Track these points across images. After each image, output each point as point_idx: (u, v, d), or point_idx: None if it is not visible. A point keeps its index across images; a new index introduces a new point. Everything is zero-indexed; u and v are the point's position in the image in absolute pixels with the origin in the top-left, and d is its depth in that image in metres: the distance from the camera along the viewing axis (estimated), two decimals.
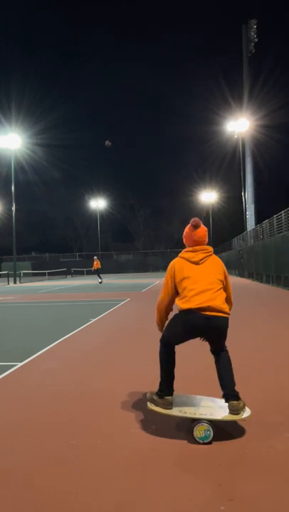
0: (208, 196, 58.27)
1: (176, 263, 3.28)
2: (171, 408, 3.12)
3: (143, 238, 72.99)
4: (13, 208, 31.58)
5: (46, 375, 4.88)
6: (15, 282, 31.07)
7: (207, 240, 3.33)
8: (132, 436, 3.08)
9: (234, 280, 25.57)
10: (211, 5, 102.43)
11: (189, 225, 3.32)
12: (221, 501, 2.24)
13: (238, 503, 2.23)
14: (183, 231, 3.40)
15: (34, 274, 45.31)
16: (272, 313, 9.97)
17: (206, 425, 2.91)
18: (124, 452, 2.83)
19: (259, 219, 31.12)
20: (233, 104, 36.30)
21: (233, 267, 34.48)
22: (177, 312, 3.22)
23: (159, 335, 3.38)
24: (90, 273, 39.71)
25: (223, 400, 3.08)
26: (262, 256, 21.27)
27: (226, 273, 3.31)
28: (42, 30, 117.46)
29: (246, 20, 36.59)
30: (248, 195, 35.92)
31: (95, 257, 28.20)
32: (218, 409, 3.10)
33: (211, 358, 3.29)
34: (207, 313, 3.04)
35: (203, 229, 3.31)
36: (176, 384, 3.27)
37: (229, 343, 3.27)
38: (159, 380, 3.26)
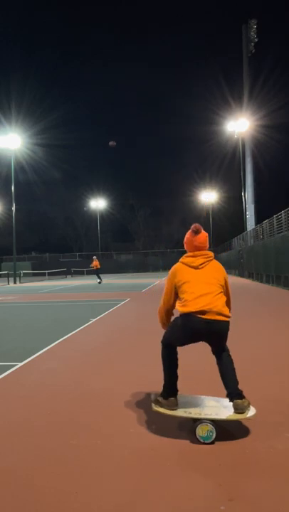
0: (208, 196, 58.28)
1: (176, 268, 3.31)
2: (176, 409, 3.12)
3: (143, 238, 72.98)
4: (13, 208, 31.59)
5: (46, 375, 4.88)
6: (15, 282, 31.06)
7: (208, 246, 3.35)
8: (132, 436, 3.08)
9: (234, 280, 25.57)
10: (211, 5, 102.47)
11: (190, 231, 3.35)
12: (221, 501, 2.24)
13: (238, 503, 2.23)
14: (183, 231, 3.42)
15: (34, 274, 45.31)
16: (272, 313, 9.97)
17: (209, 425, 2.91)
18: (124, 452, 2.83)
19: (259, 219, 31.12)
20: (233, 104, 36.34)
21: (233, 267, 34.48)
22: (178, 315, 3.22)
23: (160, 335, 3.39)
24: (90, 273, 39.71)
25: (228, 400, 3.08)
26: (262, 256, 21.27)
27: (227, 278, 3.32)
28: (42, 30, 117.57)
29: (246, 20, 36.60)
30: (248, 195, 35.92)
31: (94, 256, 28.18)
32: (222, 408, 3.10)
33: (212, 358, 3.30)
34: (207, 317, 3.03)
35: (203, 234, 3.33)
36: (179, 384, 3.27)
37: (229, 344, 3.27)
38: (159, 379, 3.27)
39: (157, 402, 3.22)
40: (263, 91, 38.43)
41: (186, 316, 3.09)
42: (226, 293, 3.29)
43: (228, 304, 3.27)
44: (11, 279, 31.54)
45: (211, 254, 3.32)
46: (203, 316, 3.03)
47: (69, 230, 75.10)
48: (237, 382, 3.07)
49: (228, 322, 3.13)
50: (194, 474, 2.53)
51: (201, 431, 2.91)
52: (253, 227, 30.93)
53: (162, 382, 3.31)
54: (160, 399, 3.22)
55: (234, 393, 3.01)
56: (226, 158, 49.91)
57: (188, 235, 3.36)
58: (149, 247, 68.67)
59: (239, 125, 34.05)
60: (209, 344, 3.22)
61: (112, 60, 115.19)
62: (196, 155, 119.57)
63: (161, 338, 3.36)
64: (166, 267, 53.02)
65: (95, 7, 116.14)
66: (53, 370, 5.09)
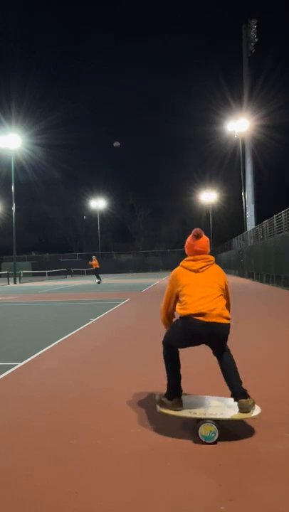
0: (208, 196, 58.25)
1: (176, 272, 3.34)
2: (180, 409, 3.12)
3: (143, 238, 72.97)
4: (13, 208, 31.59)
5: (46, 375, 4.88)
6: (15, 282, 31.06)
7: (209, 250, 3.37)
8: (132, 436, 3.08)
9: (234, 280, 25.58)
10: (211, 5, 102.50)
11: (191, 235, 3.37)
12: (221, 501, 2.24)
13: (238, 503, 2.23)
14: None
15: (34, 274, 45.31)
16: (272, 313, 9.97)
17: (213, 426, 2.91)
18: (124, 452, 2.83)
19: (259, 219, 31.12)
20: (233, 104, 36.33)
21: (233, 267, 34.48)
22: (178, 318, 3.23)
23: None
24: (89, 273, 39.73)
25: (232, 399, 3.08)
26: (262, 256, 21.27)
27: (227, 283, 3.33)
28: (42, 30, 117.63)
29: (246, 20, 36.59)
30: (248, 195, 35.92)
31: (94, 256, 28.14)
32: (227, 408, 3.09)
33: (212, 357, 3.29)
34: (207, 319, 3.02)
35: (204, 239, 3.35)
36: (183, 385, 3.27)
37: (229, 344, 3.26)
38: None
39: (162, 403, 3.22)
40: (263, 91, 38.49)
41: (185, 319, 3.09)
42: (226, 296, 3.29)
43: (227, 307, 3.27)
44: (11, 279, 31.55)
45: (212, 258, 3.33)
46: (202, 319, 3.02)
47: (69, 230, 75.12)
48: (241, 382, 3.06)
49: (228, 325, 3.12)
50: (194, 474, 2.53)
51: (204, 430, 2.91)
52: (253, 227, 30.93)
53: (163, 382, 3.31)
54: (164, 400, 3.22)
55: (239, 392, 3.00)
56: (226, 158, 49.94)
57: (189, 239, 3.38)
58: (149, 247, 68.66)
59: (239, 125, 34.05)
60: (210, 347, 3.22)
61: (112, 60, 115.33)
62: (196, 155, 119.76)
63: (161, 338, 3.36)
64: (166, 267, 53.06)
65: (95, 7, 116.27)
66: (53, 370, 5.09)
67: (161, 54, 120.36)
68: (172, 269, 3.56)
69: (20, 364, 5.37)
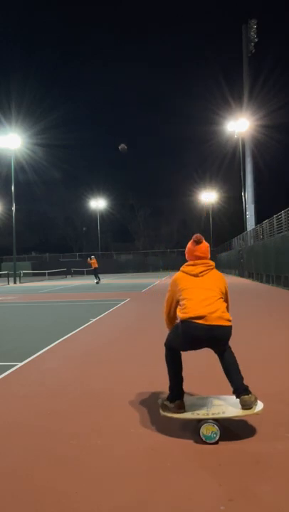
0: (208, 196, 58.27)
1: (177, 277, 3.35)
2: (183, 411, 3.11)
3: (143, 238, 72.96)
4: (13, 208, 31.59)
5: (46, 374, 4.88)
6: (15, 282, 31.06)
7: (209, 256, 3.39)
8: (132, 436, 3.08)
9: (234, 280, 25.58)
10: (211, 5, 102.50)
11: (191, 241, 3.39)
12: (221, 501, 2.24)
13: (238, 503, 2.23)
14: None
15: (34, 274, 45.30)
16: (272, 313, 9.97)
17: (215, 427, 2.90)
18: (124, 452, 2.83)
19: (259, 219, 31.12)
20: (233, 104, 36.32)
21: (233, 266, 34.48)
22: (179, 322, 3.22)
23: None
24: (89, 273, 39.70)
25: (234, 397, 3.07)
26: (262, 256, 21.27)
27: (227, 288, 3.34)
28: (42, 30, 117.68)
29: (246, 20, 36.59)
30: (248, 195, 35.92)
31: (93, 255, 28.07)
32: (229, 406, 3.09)
33: (213, 357, 3.30)
34: (208, 322, 3.01)
35: (205, 245, 3.37)
36: (185, 386, 3.27)
37: (229, 343, 3.26)
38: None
39: (164, 407, 3.22)
40: (263, 91, 38.41)
41: (186, 323, 3.07)
42: (226, 301, 3.30)
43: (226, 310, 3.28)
44: (11, 279, 31.54)
45: (212, 263, 3.35)
46: (203, 322, 3.01)
47: (69, 230, 75.12)
48: (242, 378, 3.06)
49: (230, 327, 3.11)
50: (194, 474, 2.53)
51: (206, 430, 2.91)
52: (253, 227, 30.93)
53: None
54: (167, 403, 3.22)
55: (240, 389, 3.00)
56: (226, 158, 49.88)
57: (189, 244, 3.41)
58: (149, 247, 68.65)
59: (239, 125, 34.04)
60: (212, 349, 3.22)
61: (112, 60, 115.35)
62: (196, 155, 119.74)
63: (161, 338, 3.36)
64: (166, 267, 53.02)
65: (95, 7, 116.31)
66: (53, 370, 5.09)
67: (161, 54, 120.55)
68: (172, 269, 3.59)
69: (20, 364, 5.37)
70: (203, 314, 3.02)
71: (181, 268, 3.37)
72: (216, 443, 2.89)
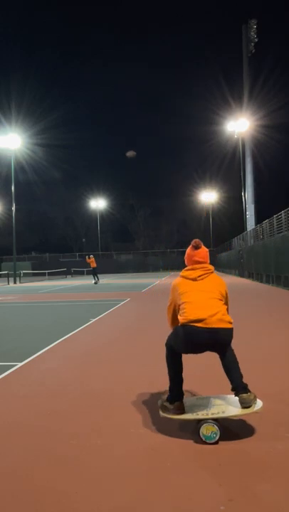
0: (208, 196, 58.30)
1: (176, 282, 3.36)
2: (183, 412, 3.11)
3: (143, 238, 72.96)
4: (13, 208, 31.59)
5: (46, 374, 4.88)
6: (15, 282, 31.06)
7: (208, 261, 3.40)
8: (132, 436, 3.08)
9: (234, 280, 25.58)
10: (211, 5, 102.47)
11: (190, 246, 3.41)
12: (221, 501, 2.24)
13: (238, 503, 2.23)
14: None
15: (34, 274, 45.30)
16: (272, 313, 9.97)
17: (215, 427, 2.91)
18: (124, 452, 2.83)
19: (259, 219, 31.12)
20: (233, 104, 36.32)
21: (233, 267, 34.47)
22: (179, 325, 3.22)
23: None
24: (89, 273, 39.69)
25: (233, 396, 3.07)
26: (262, 256, 21.27)
27: (227, 292, 3.33)
28: (42, 30, 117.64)
29: (246, 20, 36.59)
30: (248, 195, 35.92)
31: (92, 255, 28.02)
32: (229, 406, 3.09)
33: (213, 357, 3.29)
34: (208, 325, 3.01)
35: (204, 250, 3.39)
36: (184, 384, 3.27)
37: None
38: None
39: (164, 408, 3.22)
40: (263, 91, 38.39)
41: (186, 327, 3.07)
42: (225, 303, 3.29)
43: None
44: (11, 279, 31.55)
45: (211, 267, 3.35)
46: (203, 325, 3.01)
47: (69, 230, 75.12)
48: (241, 376, 3.05)
49: (231, 329, 3.10)
50: (194, 474, 2.53)
51: (206, 430, 2.91)
52: (253, 227, 30.93)
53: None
54: (166, 404, 3.22)
55: (239, 387, 3.00)
56: (226, 158, 49.87)
57: (188, 250, 3.42)
58: (149, 247, 68.65)
59: (239, 125, 34.04)
60: (213, 351, 3.21)
61: (112, 60, 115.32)
62: (196, 155, 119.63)
63: (162, 338, 3.36)
64: (166, 267, 53.02)
65: (95, 7, 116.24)
66: (53, 370, 5.09)
67: (161, 54, 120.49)
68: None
69: (20, 364, 5.37)
70: (203, 317, 3.02)
71: (181, 273, 3.39)
72: (216, 443, 2.89)
